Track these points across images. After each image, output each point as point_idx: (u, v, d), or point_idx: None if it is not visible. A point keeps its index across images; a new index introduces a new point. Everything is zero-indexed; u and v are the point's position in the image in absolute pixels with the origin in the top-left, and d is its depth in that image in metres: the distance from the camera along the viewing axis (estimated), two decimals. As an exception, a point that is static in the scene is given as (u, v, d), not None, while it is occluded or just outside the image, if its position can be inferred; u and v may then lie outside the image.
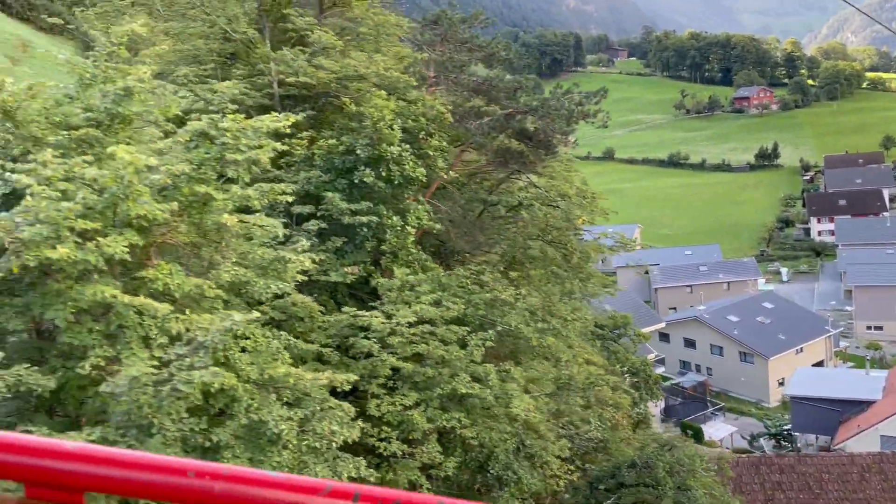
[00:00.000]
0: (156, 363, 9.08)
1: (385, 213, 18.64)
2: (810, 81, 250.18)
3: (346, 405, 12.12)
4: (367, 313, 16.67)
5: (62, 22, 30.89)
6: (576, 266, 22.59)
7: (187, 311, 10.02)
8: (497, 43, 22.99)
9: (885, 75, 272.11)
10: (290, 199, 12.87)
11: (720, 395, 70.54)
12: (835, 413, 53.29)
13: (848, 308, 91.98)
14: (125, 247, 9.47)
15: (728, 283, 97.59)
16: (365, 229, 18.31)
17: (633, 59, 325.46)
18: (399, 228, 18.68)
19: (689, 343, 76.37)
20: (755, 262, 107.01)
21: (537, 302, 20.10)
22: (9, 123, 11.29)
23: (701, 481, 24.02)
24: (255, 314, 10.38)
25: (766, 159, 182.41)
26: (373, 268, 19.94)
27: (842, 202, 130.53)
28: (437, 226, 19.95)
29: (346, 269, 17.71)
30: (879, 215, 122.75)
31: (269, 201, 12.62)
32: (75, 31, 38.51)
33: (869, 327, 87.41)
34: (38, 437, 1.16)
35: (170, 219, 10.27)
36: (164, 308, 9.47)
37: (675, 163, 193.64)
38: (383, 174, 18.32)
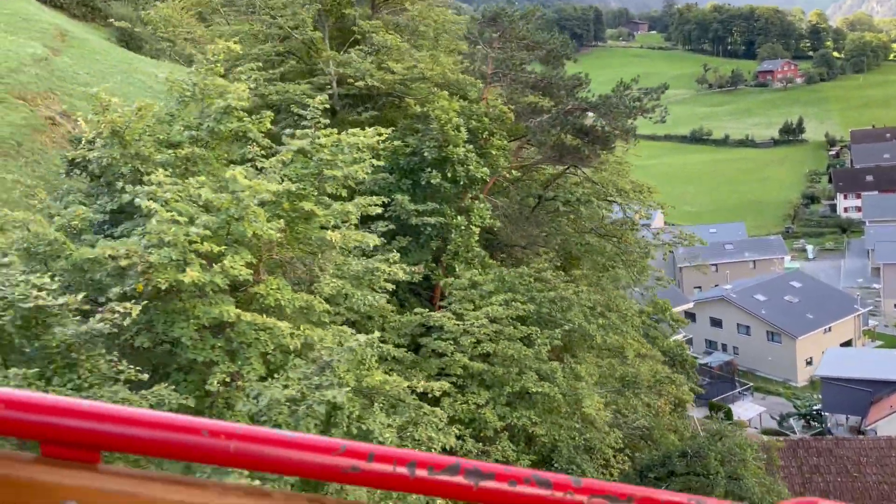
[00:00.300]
0: (290, 383, 9.48)
1: (449, 212, 18.97)
2: (836, 54, 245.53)
3: (439, 411, 12.56)
4: (438, 314, 17.08)
5: (129, 26, 31.07)
6: (630, 260, 22.82)
7: (300, 327, 10.44)
8: (555, 39, 23.08)
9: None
10: (379, 210, 13.21)
11: (747, 374, 70.57)
12: (866, 393, 53.28)
13: (875, 286, 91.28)
14: (243, 265, 9.89)
15: (754, 261, 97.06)
16: (430, 229, 18.67)
17: (654, 32, 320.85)
18: (464, 228, 19.01)
19: (716, 322, 76.37)
20: (781, 239, 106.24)
21: (597, 297, 20.38)
22: (115, 141, 11.67)
23: (751, 470, 24.36)
24: (377, 333, 10.78)
25: (791, 134, 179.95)
26: (433, 265, 20.32)
27: (869, 178, 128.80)
28: (497, 223, 20.25)
29: (413, 269, 18.08)
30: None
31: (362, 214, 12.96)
32: (113, 22, 38.88)
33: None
34: (53, 396, 1.16)
35: (280, 236, 10.65)
36: (285, 326, 9.90)
37: (697, 138, 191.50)
38: (449, 175, 18.62)
